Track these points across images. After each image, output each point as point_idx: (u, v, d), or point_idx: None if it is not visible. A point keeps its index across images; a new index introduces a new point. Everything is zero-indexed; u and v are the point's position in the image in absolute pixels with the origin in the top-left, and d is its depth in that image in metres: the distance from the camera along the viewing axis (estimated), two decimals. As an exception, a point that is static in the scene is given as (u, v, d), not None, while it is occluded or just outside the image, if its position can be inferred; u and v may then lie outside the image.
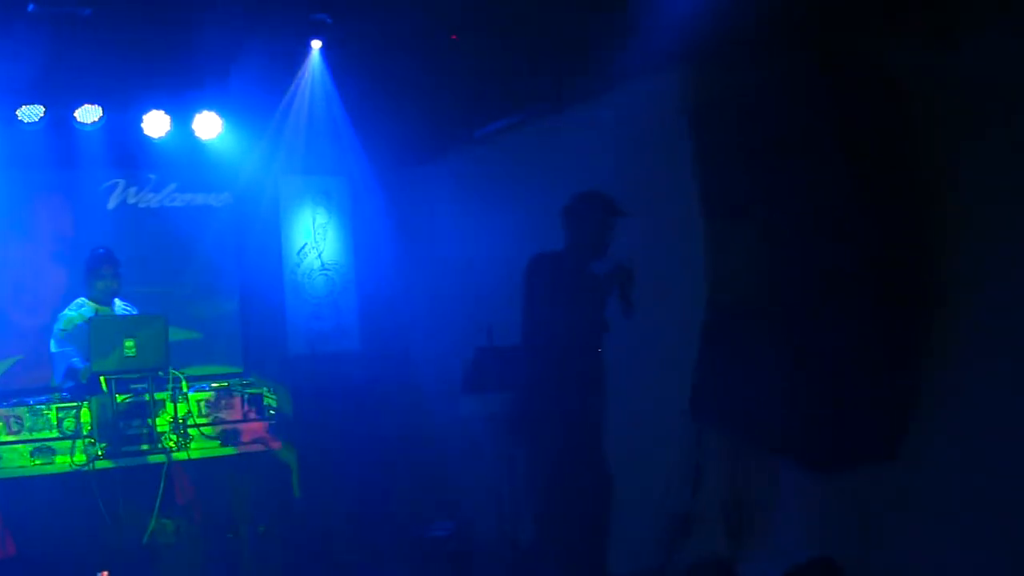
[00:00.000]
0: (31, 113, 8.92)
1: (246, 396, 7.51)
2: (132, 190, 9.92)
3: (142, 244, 9.76)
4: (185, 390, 7.22)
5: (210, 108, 9.53)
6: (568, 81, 8.03)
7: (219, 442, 7.26)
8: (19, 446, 6.84)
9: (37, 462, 6.82)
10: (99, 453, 6.82)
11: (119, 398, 6.91)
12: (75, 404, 7.02)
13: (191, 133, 9.63)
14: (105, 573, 6.86)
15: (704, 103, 6.85)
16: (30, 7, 7.39)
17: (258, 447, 7.36)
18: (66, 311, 7.88)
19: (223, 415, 7.35)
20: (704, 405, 6.78)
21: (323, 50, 8.87)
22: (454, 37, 7.97)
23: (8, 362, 9.21)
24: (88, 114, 9.15)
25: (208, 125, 9.58)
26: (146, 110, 9.35)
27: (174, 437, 7.01)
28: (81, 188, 9.73)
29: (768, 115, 6.35)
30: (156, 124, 9.38)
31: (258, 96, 9.29)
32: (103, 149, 9.44)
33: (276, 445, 7.42)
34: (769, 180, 6.32)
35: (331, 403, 9.62)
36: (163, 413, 7.09)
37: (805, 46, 6.13)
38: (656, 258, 7.23)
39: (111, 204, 9.83)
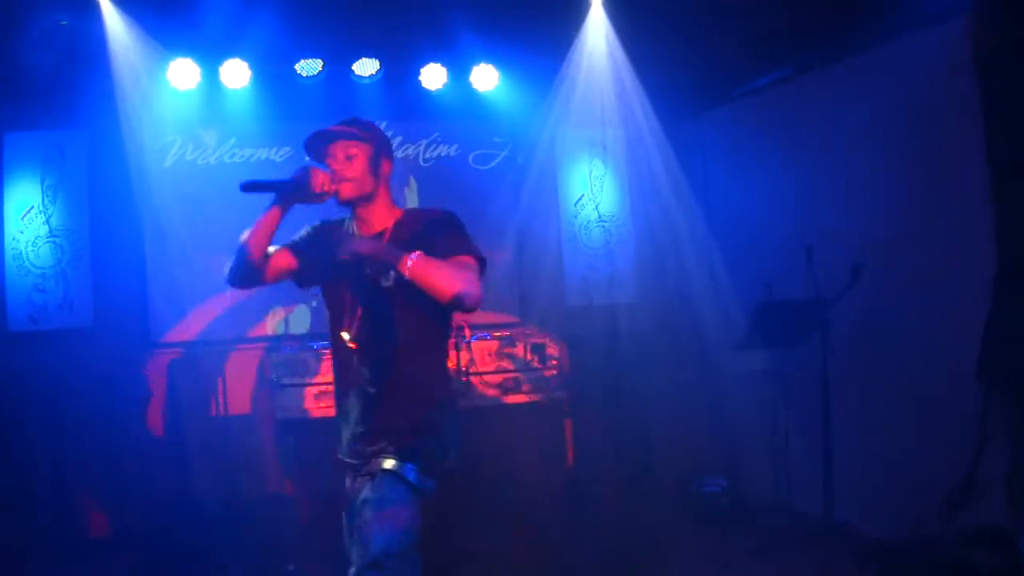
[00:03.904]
0: (310, 67, 9.29)
1: (529, 346, 7.79)
2: (411, 144, 10.26)
3: (423, 196, 10.11)
4: (468, 339, 7.52)
5: (487, 61, 9.66)
6: (839, 34, 7.90)
7: (500, 390, 7.52)
8: (303, 389, 7.32)
9: (320, 405, 7.23)
10: (382, 397, 7.38)
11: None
12: (359, 350, 7.58)
13: (468, 85, 9.77)
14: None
15: (984, 55, 6.60)
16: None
17: (540, 397, 7.57)
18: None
19: (505, 364, 7.66)
20: (992, 368, 6.52)
21: (604, 2, 8.99)
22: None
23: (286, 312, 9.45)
24: (366, 67, 9.47)
25: (486, 77, 9.72)
26: (423, 63, 9.59)
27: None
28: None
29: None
30: (433, 76, 9.61)
31: (536, 48, 9.37)
32: (380, 102, 9.68)
33: (558, 395, 7.56)
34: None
35: (607, 355, 9.63)
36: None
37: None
38: (938, 215, 7.16)
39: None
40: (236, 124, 9.39)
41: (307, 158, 4.60)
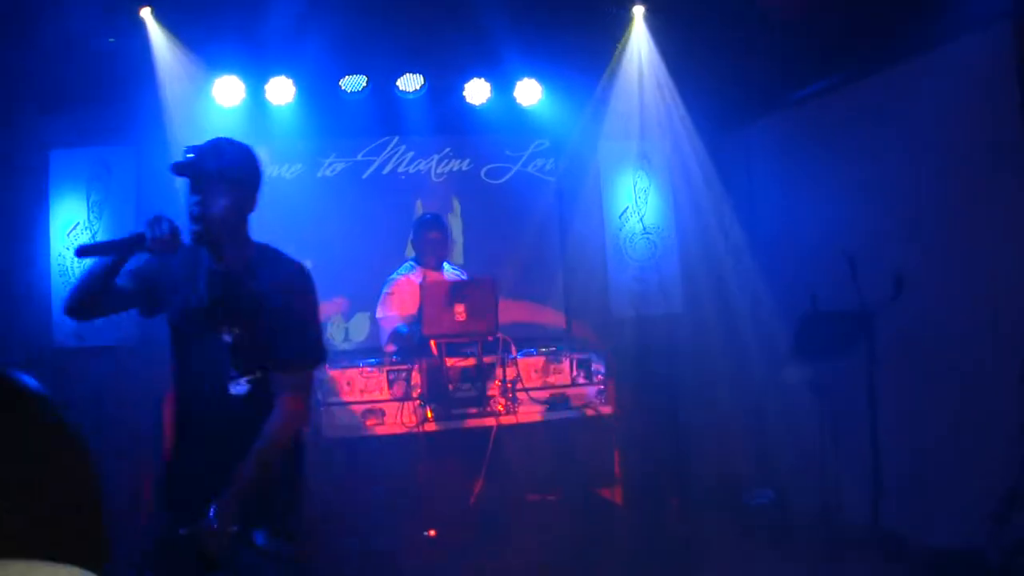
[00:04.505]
0: (354, 83, 9.40)
1: (575, 361, 7.72)
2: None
3: (469, 210, 10.26)
4: (514, 355, 7.44)
5: (531, 75, 9.71)
6: (881, 43, 7.86)
7: (548, 406, 7.45)
8: (351, 407, 7.23)
9: (368, 423, 7.19)
10: (429, 415, 7.12)
11: (449, 362, 7.27)
12: (405, 367, 7.32)
13: (512, 100, 9.83)
14: (432, 532, 7.19)
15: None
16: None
17: (587, 412, 7.50)
18: (394, 275, 8.22)
19: (552, 379, 7.60)
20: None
21: (645, 15, 9.03)
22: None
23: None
24: (410, 82, 9.58)
25: (529, 92, 9.78)
26: (467, 78, 9.69)
27: (503, 401, 7.34)
28: (405, 155, 10.16)
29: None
30: (477, 91, 9.72)
31: (578, 62, 9.42)
32: (425, 117, 9.80)
33: (605, 410, 7.48)
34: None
35: (653, 366, 9.68)
36: (492, 377, 7.39)
37: None
38: (983, 222, 7.12)
39: (437, 170, 10.27)
40: (281, 140, 9.47)
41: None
